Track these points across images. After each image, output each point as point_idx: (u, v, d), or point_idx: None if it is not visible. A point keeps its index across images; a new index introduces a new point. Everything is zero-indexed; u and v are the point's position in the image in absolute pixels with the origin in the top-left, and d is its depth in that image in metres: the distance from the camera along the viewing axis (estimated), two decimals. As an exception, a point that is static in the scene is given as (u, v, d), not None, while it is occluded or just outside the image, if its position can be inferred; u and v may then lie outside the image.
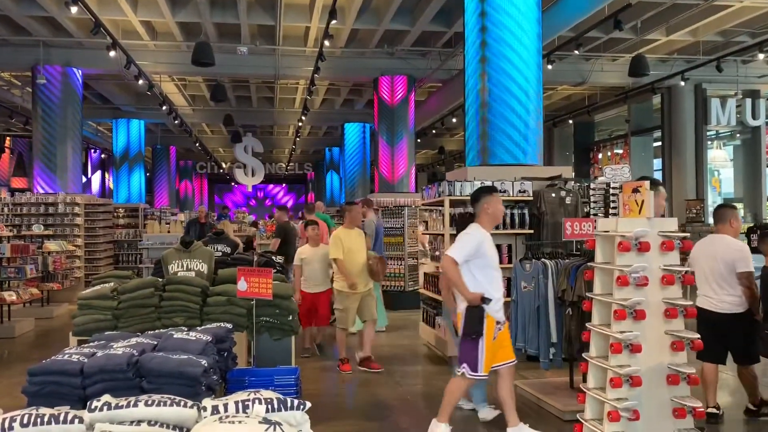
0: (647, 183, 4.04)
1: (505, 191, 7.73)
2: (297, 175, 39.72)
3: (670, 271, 3.96)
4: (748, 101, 17.24)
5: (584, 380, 4.42)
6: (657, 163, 19.33)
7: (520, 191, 7.78)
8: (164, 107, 16.42)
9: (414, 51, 15.38)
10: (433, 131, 22.62)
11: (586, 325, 4.31)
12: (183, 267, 5.51)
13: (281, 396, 2.95)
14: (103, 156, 30.73)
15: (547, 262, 5.99)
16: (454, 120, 19.45)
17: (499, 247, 7.80)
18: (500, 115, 8.36)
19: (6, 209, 14.17)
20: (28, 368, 3.66)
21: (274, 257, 8.70)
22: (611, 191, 7.86)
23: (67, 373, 3.51)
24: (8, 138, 27.83)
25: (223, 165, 35.84)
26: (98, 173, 32.01)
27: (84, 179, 30.82)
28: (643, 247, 3.92)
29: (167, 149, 29.79)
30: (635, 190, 4.10)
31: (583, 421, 4.19)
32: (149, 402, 2.95)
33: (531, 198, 7.76)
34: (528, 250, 6.79)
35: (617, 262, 3.97)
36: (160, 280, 5.19)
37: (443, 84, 16.90)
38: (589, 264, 4.32)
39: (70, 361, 3.59)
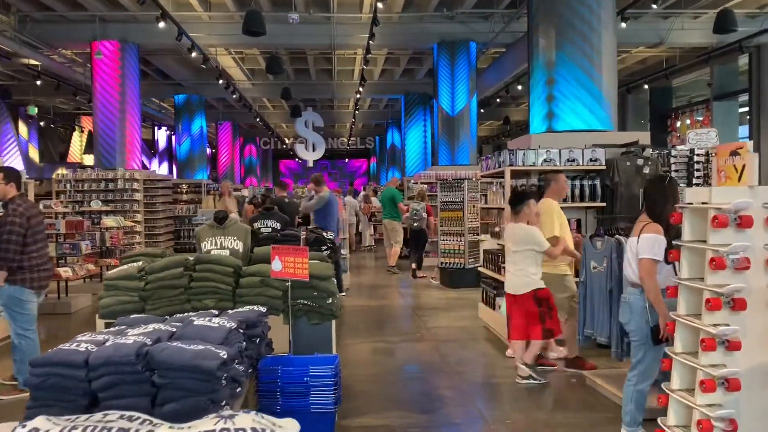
0: (749, 143, 3.28)
1: (574, 160, 6.98)
2: (360, 150, 39.38)
3: (778, 251, 3.23)
4: None
5: (666, 378, 3.76)
6: (742, 130, 17.78)
7: (591, 160, 7.02)
8: (221, 81, 16.21)
9: (475, 13, 14.52)
10: (498, 100, 21.63)
11: (670, 315, 3.63)
12: (216, 245, 5.11)
13: (262, 425, 2.40)
14: (169, 132, 31.25)
15: (622, 239, 5.26)
16: (519, 87, 18.41)
17: (567, 221, 7.11)
18: (570, 75, 7.57)
19: (68, 186, 14.35)
20: (29, 359, 3.34)
21: (325, 234, 8.31)
22: (696, 158, 6.97)
23: (71, 365, 3.15)
24: (82, 117, 28.65)
25: (286, 140, 35.87)
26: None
27: (151, 156, 31.50)
28: (744, 222, 3.20)
29: (233, 125, 29.96)
30: (734, 153, 3.36)
31: (665, 428, 3.54)
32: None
33: (603, 167, 6.98)
34: (599, 226, 6.06)
35: (711, 241, 3.26)
36: (191, 258, 4.81)
37: (507, 48, 15.96)
38: (673, 242, 3.62)
39: (75, 351, 3.22)
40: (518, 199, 5.87)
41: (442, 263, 11.79)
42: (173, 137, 27.19)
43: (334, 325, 4.78)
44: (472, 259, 11.47)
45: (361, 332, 7.85)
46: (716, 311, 3.24)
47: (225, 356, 3.34)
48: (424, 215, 12.86)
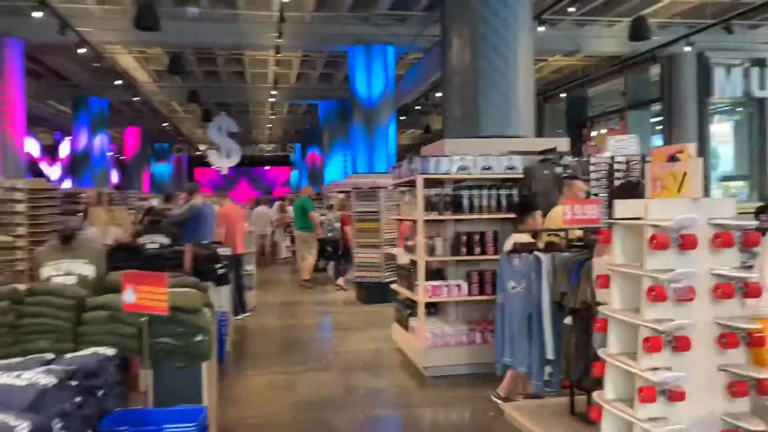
0: (692, 146, 2.72)
1: (490, 167, 6.41)
2: (280, 157, 38.22)
3: (727, 277, 2.66)
4: (755, 70, 15.93)
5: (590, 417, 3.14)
6: (655, 139, 18.06)
7: (508, 167, 6.46)
8: (118, 81, 14.91)
9: (391, 15, 13.95)
10: (418, 107, 21.20)
11: (599, 354, 3.02)
12: (60, 271, 4.15)
13: None
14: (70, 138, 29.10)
15: (542, 255, 4.68)
16: (439, 95, 17.99)
17: (482, 235, 6.53)
18: (484, 80, 7.03)
19: (-62, 196, 12.66)
20: None
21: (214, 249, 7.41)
22: (616, 166, 6.54)
23: None
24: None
25: (201, 147, 34.29)
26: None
27: (52, 164, 29.30)
28: (687, 243, 2.62)
29: (141, 130, 28.21)
30: (672, 158, 2.78)
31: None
32: None
33: (521, 176, 6.44)
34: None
35: (649, 265, 2.67)
36: (21, 288, 3.85)
37: (425, 53, 15.48)
38: (597, 261, 3.02)
39: None
40: (523, 209, 5.29)
41: (357, 277, 11.07)
42: (72, 143, 25.26)
43: (205, 368, 3.92)
44: (390, 273, 10.80)
45: (260, 360, 6.98)
46: (655, 352, 2.64)
47: (26, 430, 2.48)
48: (337, 225, 12.12)
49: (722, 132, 18.54)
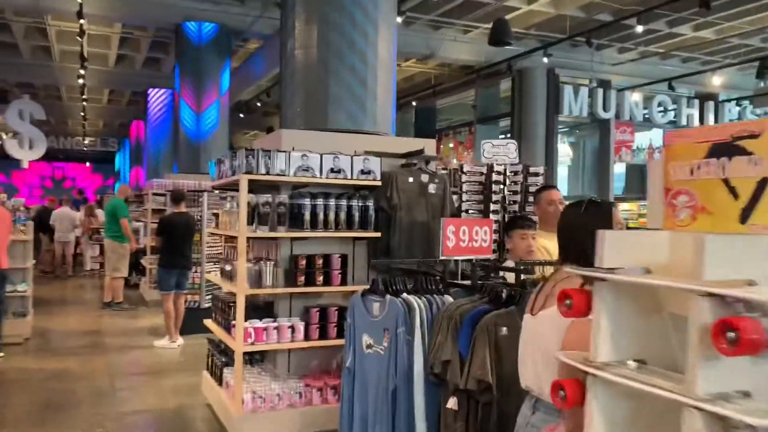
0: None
1: (340, 170, 4.84)
2: (102, 153, 34.01)
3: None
4: (600, 91, 16.04)
5: None
6: (502, 155, 17.73)
7: (363, 172, 4.93)
8: None
9: (229, -8, 12.01)
10: (259, 104, 19.24)
11: None
12: None
13: None
14: None
15: (415, 300, 3.16)
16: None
17: (327, 258, 4.93)
18: (338, 54, 5.46)
19: None
20: None
21: None
22: (494, 177, 5.28)
23: None
24: None
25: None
26: None
27: None
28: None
29: None
30: (730, 150, 1.34)
31: None
32: None
33: (378, 182, 4.94)
34: (378, 274, 3.96)
35: (700, 383, 1.18)
36: None
37: (266, 42, 13.65)
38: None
39: None
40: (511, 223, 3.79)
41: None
42: None
43: None
44: (212, 296, 8.84)
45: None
46: None
47: None
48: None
49: (564, 152, 18.70)
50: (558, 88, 15.61)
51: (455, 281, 3.38)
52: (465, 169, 5.25)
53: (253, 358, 5.18)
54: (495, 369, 2.60)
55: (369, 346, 3.21)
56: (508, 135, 17.40)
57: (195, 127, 12.77)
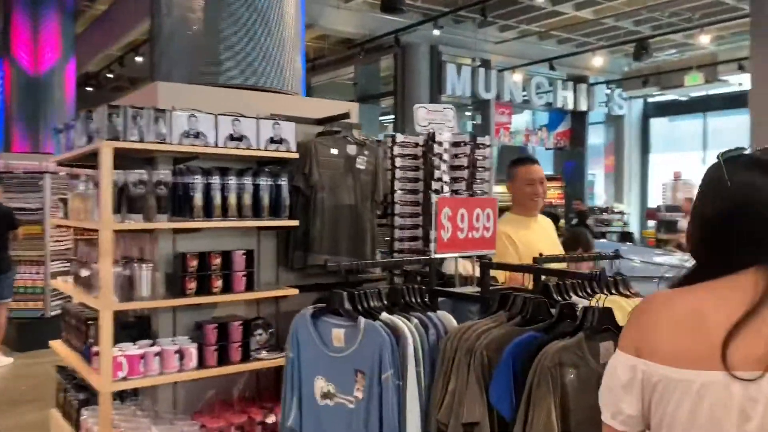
0: None
1: (242, 138, 3.61)
2: None
3: None
4: (482, 71, 15.68)
5: None
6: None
7: (272, 140, 3.71)
8: None
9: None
10: (110, 76, 16.88)
11: None
12: None
13: None
14: None
15: (403, 323, 2.06)
16: (140, 59, 14.11)
17: (227, 256, 3.69)
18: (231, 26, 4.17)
19: None
20: None
21: None
22: (436, 149, 4.27)
23: None
24: None
25: None
26: None
27: None
28: None
29: None
30: None
31: None
32: None
33: (294, 155, 3.75)
34: (332, 292, 2.82)
35: None
36: None
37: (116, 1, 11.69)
38: None
39: None
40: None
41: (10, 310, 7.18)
42: None
43: None
44: (61, 301, 7.15)
45: None
46: None
47: None
48: None
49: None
50: (441, 67, 15.04)
51: (442, 288, 2.33)
52: (399, 140, 4.18)
53: (124, 392, 3.82)
54: (560, 437, 1.60)
55: (327, 396, 2.08)
56: (391, 116, 16.66)
57: (33, 92, 10.63)
